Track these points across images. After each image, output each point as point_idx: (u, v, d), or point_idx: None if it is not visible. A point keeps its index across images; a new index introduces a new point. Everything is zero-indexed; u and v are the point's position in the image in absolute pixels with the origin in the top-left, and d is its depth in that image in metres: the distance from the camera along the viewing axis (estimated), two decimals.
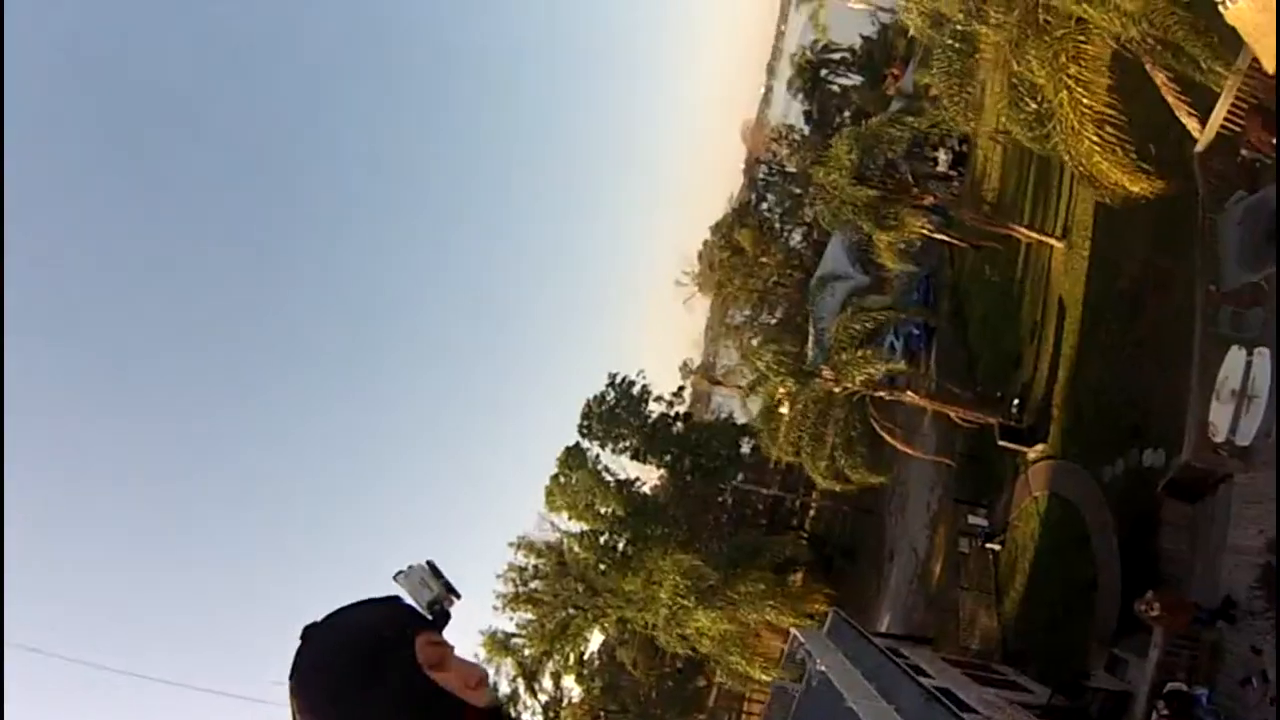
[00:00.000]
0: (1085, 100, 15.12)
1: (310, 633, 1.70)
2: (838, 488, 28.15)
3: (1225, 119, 14.94)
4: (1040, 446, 23.51)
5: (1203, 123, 15.63)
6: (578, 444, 45.72)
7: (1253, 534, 12.84)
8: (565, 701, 45.99)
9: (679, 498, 47.10)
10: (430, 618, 1.77)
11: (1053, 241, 26.30)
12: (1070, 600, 20.09)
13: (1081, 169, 15.86)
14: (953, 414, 25.74)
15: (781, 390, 26.56)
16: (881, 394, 25.05)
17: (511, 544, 43.16)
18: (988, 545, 25.37)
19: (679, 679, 44.60)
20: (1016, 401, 25.90)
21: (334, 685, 1.62)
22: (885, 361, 26.28)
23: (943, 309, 37.71)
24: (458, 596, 1.84)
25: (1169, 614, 13.27)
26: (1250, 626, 12.32)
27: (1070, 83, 15.20)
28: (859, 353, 23.80)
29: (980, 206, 30.78)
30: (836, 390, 24.74)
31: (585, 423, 46.97)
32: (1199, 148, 15.70)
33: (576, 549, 43.01)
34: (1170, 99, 15.93)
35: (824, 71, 58.47)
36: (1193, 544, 14.51)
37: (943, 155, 42.48)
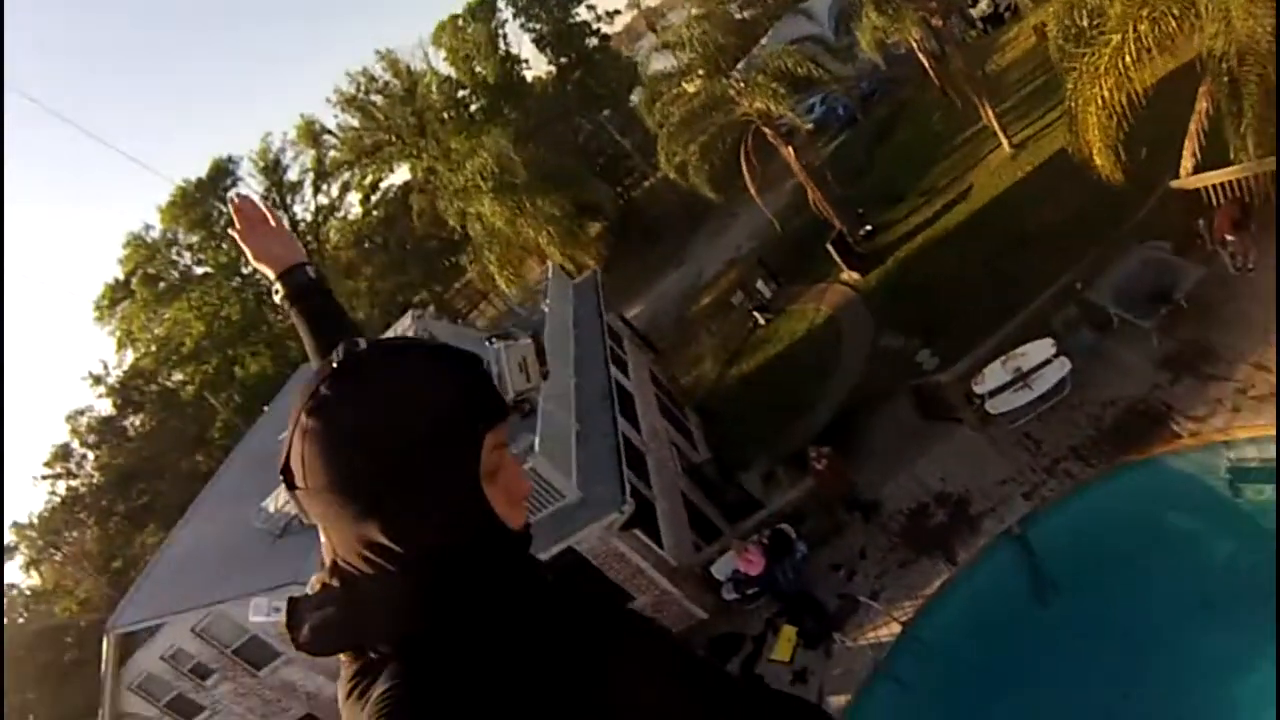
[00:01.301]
0: (1120, 67, 14.10)
1: (358, 369, 1.29)
2: (675, 179, 27.97)
3: (1215, 185, 14.94)
4: (855, 276, 24.40)
5: (1198, 169, 15.51)
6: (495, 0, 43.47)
7: (935, 478, 14.44)
8: (342, 214, 45.88)
9: (549, 99, 45.62)
10: (505, 410, 1.40)
11: (1005, 142, 26.08)
12: (781, 407, 21.53)
13: (1073, 110, 15.21)
14: (812, 195, 25.80)
15: (686, 77, 25.29)
16: (768, 133, 24.46)
17: (379, 52, 41.12)
18: (755, 312, 26.76)
19: (441, 247, 45.45)
20: (870, 229, 26.47)
21: (374, 468, 1.22)
22: (797, 114, 25.58)
23: (876, 114, 37.11)
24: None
25: (828, 474, 14.78)
26: (873, 540, 14.18)
27: (1131, 39, 14.08)
28: (775, 84, 22.80)
29: (976, 69, 29.44)
30: (735, 104, 23.93)
31: None
32: (1173, 183, 15.70)
33: (433, 89, 41.53)
34: (1193, 127, 15.49)
35: None
36: (897, 445, 16.01)
37: (984, 2, 39.79)
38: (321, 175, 43.68)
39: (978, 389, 14.38)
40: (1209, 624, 10.37)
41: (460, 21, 42.43)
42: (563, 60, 46.43)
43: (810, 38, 30.21)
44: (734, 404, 24.75)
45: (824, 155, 34.08)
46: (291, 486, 1.28)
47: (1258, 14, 12.25)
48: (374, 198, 45.96)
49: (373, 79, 41.82)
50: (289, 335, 35.86)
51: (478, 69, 42.70)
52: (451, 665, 1.26)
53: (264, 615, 11.01)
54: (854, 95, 36.42)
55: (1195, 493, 12.08)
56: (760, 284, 28.03)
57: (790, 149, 25.20)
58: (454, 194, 31.59)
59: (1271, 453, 11.50)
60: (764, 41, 34.92)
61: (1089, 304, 14.96)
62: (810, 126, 36.35)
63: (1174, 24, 13.64)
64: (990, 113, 26.01)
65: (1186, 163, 15.72)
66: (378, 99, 41.99)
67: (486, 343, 1.54)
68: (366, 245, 46.53)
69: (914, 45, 31.32)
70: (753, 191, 25.82)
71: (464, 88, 43.09)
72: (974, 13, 39.45)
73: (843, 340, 22.03)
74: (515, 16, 44.83)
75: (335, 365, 1.29)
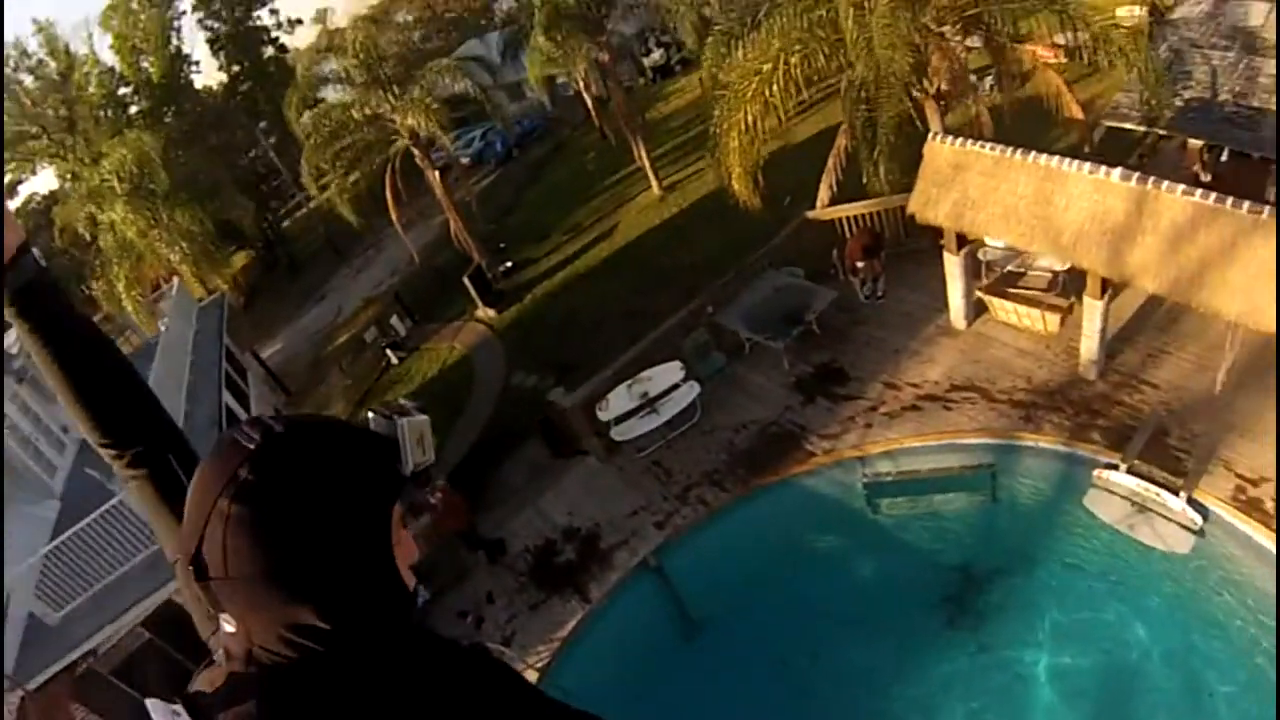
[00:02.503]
0: (766, 94, 13.84)
1: (278, 451, 1.22)
2: (322, 202, 24.77)
3: (848, 217, 14.98)
4: (491, 313, 22.74)
5: (835, 201, 15.53)
6: None
7: (562, 513, 12.70)
8: None
9: (215, 108, 39.98)
10: (407, 484, 1.36)
11: (655, 185, 26.01)
12: None
13: (717, 134, 14.74)
14: (455, 228, 23.82)
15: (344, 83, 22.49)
16: (417, 155, 22.21)
17: (37, 23, 32.63)
18: (389, 351, 24.18)
19: (73, 265, 37.43)
20: (509, 265, 25.03)
21: (308, 548, 1.19)
22: (455, 147, 23.80)
23: (534, 152, 36.47)
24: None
25: (445, 510, 12.55)
26: (500, 582, 12.02)
27: (781, 71, 13.89)
28: (430, 102, 20.73)
29: (638, 113, 29.50)
30: (388, 120, 21.55)
31: None
32: (809, 214, 15.60)
33: (92, 80, 34.07)
34: (831, 162, 15.49)
35: None
36: (527, 482, 14.12)
37: (658, 54, 41.13)
38: None
39: (602, 415, 12.89)
40: (858, 639, 9.56)
41: (135, 5, 35.84)
42: (235, 68, 40.79)
43: (477, 59, 28.72)
44: None
45: (475, 190, 32.75)
46: (204, 575, 1.19)
47: (897, 43, 12.26)
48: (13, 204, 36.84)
49: (25, 53, 33.15)
50: None
51: (145, 64, 36.12)
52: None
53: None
54: (513, 132, 35.59)
55: (832, 509, 11.42)
56: (395, 320, 25.49)
57: (435, 174, 23.04)
58: (84, 196, 25.58)
59: (905, 465, 11.19)
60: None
61: (720, 328, 14.25)
62: (466, 160, 35.00)
63: (823, 60, 13.58)
64: (644, 156, 25.86)
65: (823, 194, 15.73)
66: (26, 79, 33.31)
67: (384, 418, 1.39)
68: None
69: (580, 85, 30.99)
70: (396, 221, 23.32)
71: (129, 83, 36.17)
72: (647, 62, 40.30)
73: (475, 379, 20.17)
74: (195, 9, 39.00)
75: (254, 448, 1.21)
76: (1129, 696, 8.27)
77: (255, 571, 1.16)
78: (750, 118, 14.11)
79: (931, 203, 11.54)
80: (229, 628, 1.24)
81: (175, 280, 25.02)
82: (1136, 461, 9.56)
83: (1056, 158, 10.32)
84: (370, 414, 1.42)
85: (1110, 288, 10.35)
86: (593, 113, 33.07)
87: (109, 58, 35.95)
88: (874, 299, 14.24)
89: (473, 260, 23.54)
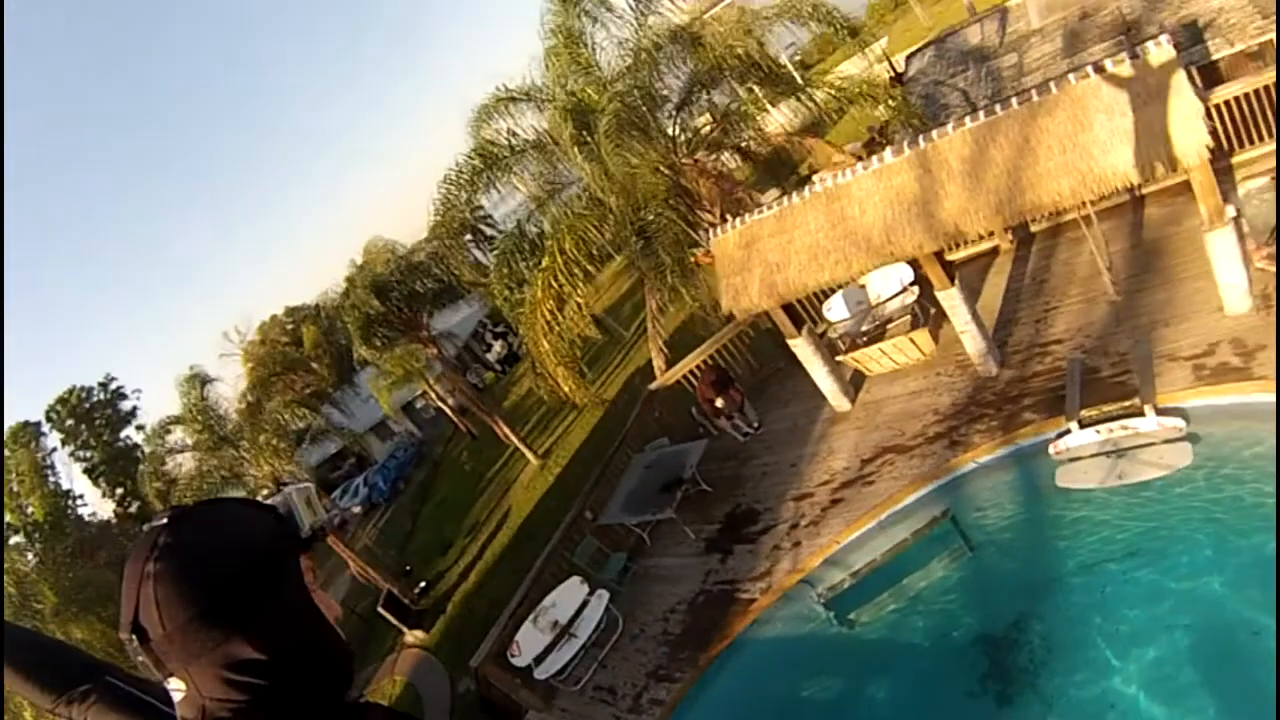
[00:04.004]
0: (555, 284, 13.01)
1: (188, 519, 1.30)
2: None
3: (690, 373, 13.67)
4: (420, 634, 20.06)
5: (670, 362, 14.30)
6: (38, 424, 35.22)
7: None
8: None
9: (101, 529, 36.85)
10: (307, 539, 1.44)
11: (531, 457, 24.59)
12: None
13: (531, 349, 13.67)
14: (354, 566, 21.60)
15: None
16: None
17: None
18: None
19: None
20: (424, 584, 22.61)
21: (231, 583, 1.25)
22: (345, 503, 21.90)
23: (416, 478, 35.03)
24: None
25: None
26: None
27: (559, 259, 13.11)
28: (276, 441, 19.08)
29: (498, 404, 28.70)
30: (246, 474, 19.67)
31: (57, 409, 37.25)
32: (650, 387, 14.21)
33: None
34: (650, 328, 14.41)
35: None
36: None
37: (498, 345, 41.15)
38: None
39: (519, 660, 10.31)
40: None
41: (6, 451, 33.34)
42: (119, 490, 38.04)
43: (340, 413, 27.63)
44: None
45: (374, 531, 30.71)
46: (145, 640, 1.22)
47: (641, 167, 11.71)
48: None
49: None
50: None
51: (28, 507, 33.13)
52: None
53: None
54: (390, 468, 34.31)
55: (800, 647, 8.89)
56: None
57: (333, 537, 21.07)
58: None
59: (855, 562, 8.99)
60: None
61: (606, 529, 12.24)
62: (359, 509, 33.01)
63: (594, 231, 12.92)
64: (512, 435, 24.63)
65: (658, 362, 14.49)
66: None
67: (276, 489, 1.49)
68: None
69: (436, 399, 30.18)
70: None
71: (17, 530, 33.01)
72: (490, 356, 40.12)
73: (424, 702, 17.49)
74: (64, 444, 36.68)
75: (167, 520, 1.29)
76: (1243, 646, 5.84)
77: (187, 617, 1.20)
78: (547, 314, 13.14)
79: (740, 291, 10.21)
80: (178, 694, 1.26)
81: None
82: (1083, 414, 7.70)
83: (829, 177, 9.31)
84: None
85: (952, 270, 9.00)
86: (457, 422, 32.11)
87: None
88: (752, 432, 12.50)
89: (380, 590, 21.07)
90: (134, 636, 1.21)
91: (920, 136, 8.35)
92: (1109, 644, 6.64)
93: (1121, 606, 6.83)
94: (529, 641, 10.36)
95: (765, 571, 9.56)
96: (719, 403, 12.35)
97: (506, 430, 24.76)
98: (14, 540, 32.37)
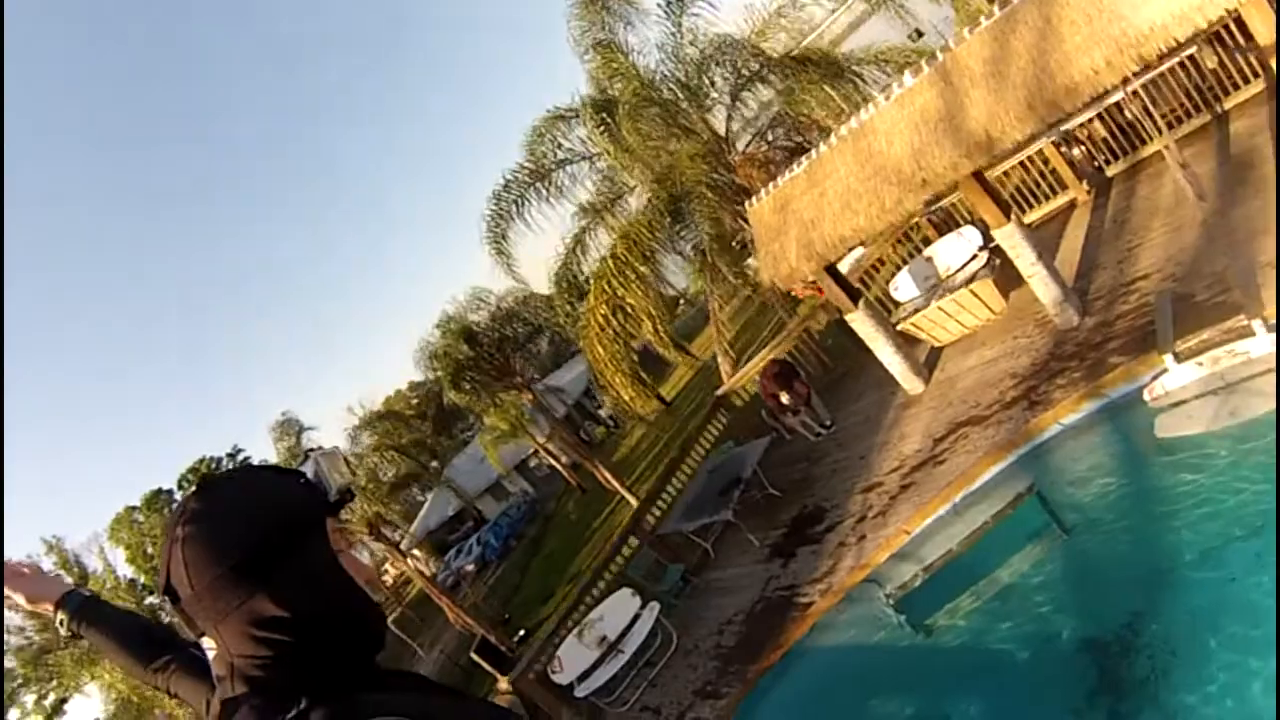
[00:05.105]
0: (609, 289, 12.46)
1: (218, 485, 1.33)
2: None
3: (756, 375, 12.58)
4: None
5: (736, 368, 13.31)
6: (170, 491, 37.46)
7: None
8: None
9: None
10: (334, 502, 1.42)
11: (632, 500, 23.71)
12: None
13: (591, 356, 13.07)
14: (453, 617, 21.61)
15: None
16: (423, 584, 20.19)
17: (46, 541, 31.45)
18: None
19: None
20: (522, 632, 21.83)
21: (254, 542, 1.23)
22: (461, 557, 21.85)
23: (528, 534, 34.67)
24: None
25: None
26: None
27: (611, 264, 12.54)
28: (369, 485, 19.11)
29: (608, 457, 28.23)
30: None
31: (188, 477, 38.65)
32: (719, 392, 13.13)
33: (120, 594, 32.86)
34: (713, 331, 13.53)
35: None
36: None
37: (610, 401, 40.69)
38: None
39: (561, 677, 9.31)
40: None
41: (140, 516, 35.61)
42: None
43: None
44: None
45: (485, 587, 30.53)
46: (177, 601, 1.25)
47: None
48: None
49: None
50: None
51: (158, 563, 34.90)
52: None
53: None
54: (503, 526, 34.12)
55: (868, 655, 7.47)
56: None
57: (436, 592, 21.07)
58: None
59: (928, 554, 7.58)
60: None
61: (663, 539, 11.25)
62: (472, 568, 32.87)
63: (646, 235, 12.45)
64: (616, 481, 23.87)
65: (724, 365, 13.55)
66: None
67: (304, 456, 1.56)
68: None
69: (547, 456, 29.96)
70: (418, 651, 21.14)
71: (151, 591, 34.68)
72: (602, 413, 39.63)
73: None
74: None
75: (197, 488, 1.31)
76: None
77: (212, 576, 1.20)
78: (600, 319, 12.53)
79: (779, 258, 9.07)
80: (211, 652, 1.30)
81: None
82: (1178, 346, 6.12)
83: (853, 116, 8.15)
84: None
85: (1006, 203, 7.61)
86: (568, 477, 31.62)
87: (124, 567, 34.56)
88: (824, 431, 11.15)
89: (474, 636, 20.49)
90: (166, 597, 1.25)
91: (935, 52, 7.15)
92: (1245, 646, 5.00)
93: (1258, 595, 5.18)
94: (573, 657, 9.38)
95: (826, 571, 8.18)
96: (784, 398, 11.10)
97: (608, 475, 24.00)
98: (148, 600, 33.95)
